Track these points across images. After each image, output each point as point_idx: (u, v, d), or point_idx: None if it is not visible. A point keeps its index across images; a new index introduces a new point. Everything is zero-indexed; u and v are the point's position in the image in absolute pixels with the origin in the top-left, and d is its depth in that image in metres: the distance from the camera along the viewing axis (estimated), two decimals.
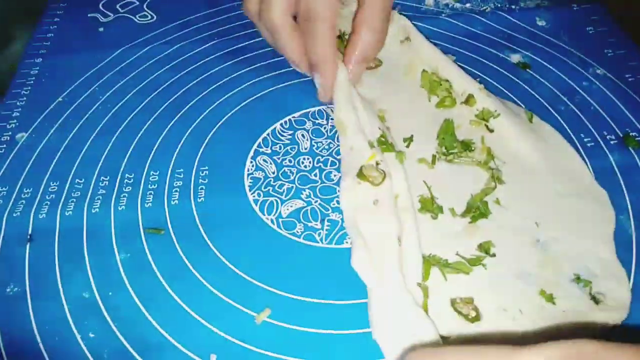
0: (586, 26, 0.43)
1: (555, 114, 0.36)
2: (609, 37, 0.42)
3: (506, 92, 0.38)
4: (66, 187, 0.33)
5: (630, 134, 0.35)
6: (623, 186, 0.32)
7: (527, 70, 0.39)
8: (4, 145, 0.36)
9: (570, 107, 0.37)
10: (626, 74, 0.39)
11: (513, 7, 0.45)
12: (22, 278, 0.29)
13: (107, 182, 0.33)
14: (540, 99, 0.37)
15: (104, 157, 0.35)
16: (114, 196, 0.32)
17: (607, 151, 0.34)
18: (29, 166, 0.34)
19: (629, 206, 0.31)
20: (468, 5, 0.45)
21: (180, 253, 0.30)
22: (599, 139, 0.35)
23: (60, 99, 0.39)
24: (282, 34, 0.35)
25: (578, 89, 0.38)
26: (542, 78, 0.39)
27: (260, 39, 0.41)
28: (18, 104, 0.39)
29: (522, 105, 0.37)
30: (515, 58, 0.40)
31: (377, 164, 0.31)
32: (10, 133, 0.37)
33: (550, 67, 0.40)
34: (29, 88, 0.40)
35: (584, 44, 0.41)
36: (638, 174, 0.32)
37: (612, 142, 0.34)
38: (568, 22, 0.43)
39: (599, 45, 0.41)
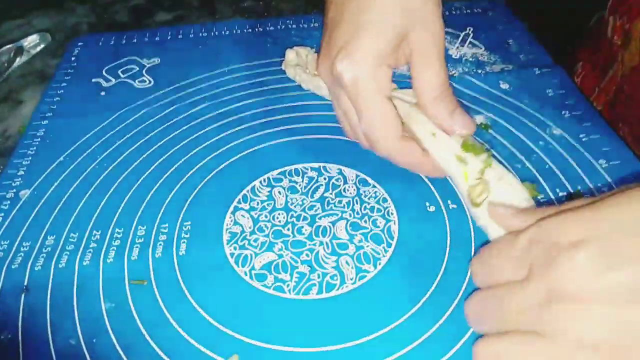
0: (546, 88, 0.46)
1: (512, 172, 0.39)
2: (566, 99, 0.45)
3: None
4: (61, 241, 0.36)
5: (580, 190, 0.37)
6: None
7: (489, 131, 0.43)
8: (8, 202, 0.39)
9: (526, 166, 0.40)
10: (580, 134, 0.42)
11: (479, 71, 0.49)
12: (16, 325, 0.32)
13: (98, 237, 0.37)
14: (499, 157, 0.40)
15: (97, 212, 0.38)
16: (103, 250, 0.36)
17: (557, 206, 0.36)
18: (29, 221, 0.38)
19: None
20: None
21: (160, 303, 0.32)
22: (551, 195, 0.37)
23: (62, 159, 0.43)
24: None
25: (535, 148, 0.41)
26: (502, 138, 0.42)
27: (246, 102, 0.46)
28: (24, 162, 0.43)
29: None
30: (478, 119, 0.44)
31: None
32: (14, 190, 0.40)
33: (510, 127, 0.43)
34: (35, 148, 0.44)
35: (543, 106, 0.45)
36: None
37: (563, 199, 0.37)
38: (529, 84, 0.47)
39: (557, 107, 0.45)
